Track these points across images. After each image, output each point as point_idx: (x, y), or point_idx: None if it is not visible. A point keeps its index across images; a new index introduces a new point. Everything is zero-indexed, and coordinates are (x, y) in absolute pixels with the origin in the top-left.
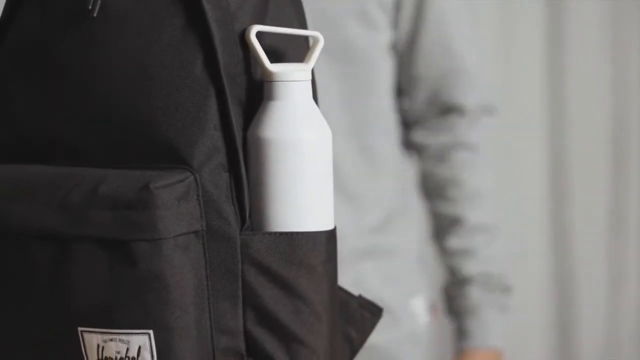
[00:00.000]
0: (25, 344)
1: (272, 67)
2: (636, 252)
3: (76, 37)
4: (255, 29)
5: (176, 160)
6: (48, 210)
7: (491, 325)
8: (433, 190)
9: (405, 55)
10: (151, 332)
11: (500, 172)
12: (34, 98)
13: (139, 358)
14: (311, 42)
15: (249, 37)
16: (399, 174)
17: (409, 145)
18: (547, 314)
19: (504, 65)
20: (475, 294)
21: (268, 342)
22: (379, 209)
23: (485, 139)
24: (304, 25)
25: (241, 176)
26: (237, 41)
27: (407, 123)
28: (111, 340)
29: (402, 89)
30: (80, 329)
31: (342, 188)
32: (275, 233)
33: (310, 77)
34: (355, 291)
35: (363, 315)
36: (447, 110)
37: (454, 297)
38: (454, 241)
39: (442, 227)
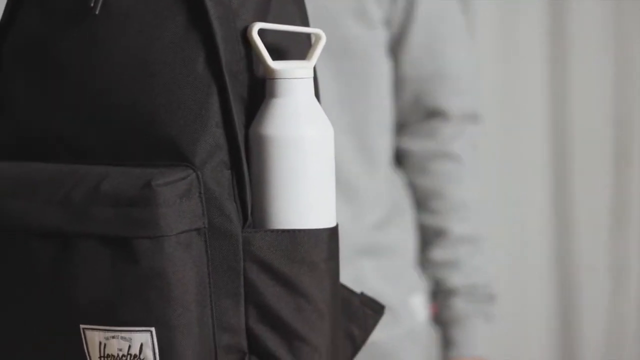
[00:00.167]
0: (27, 342)
1: (274, 65)
2: (638, 251)
3: (78, 35)
4: (258, 26)
5: (178, 158)
6: (50, 208)
7: (477, 334)
8: (416, 201)
9: (396, 54)
10: (153, 329)
11: (502, 172)
12: (36, 96)
13: (141, 355)
14: (313, 39)
15: (251, 35)
16: (395, 173)
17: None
18: (549, 313)
19: (506, 64)
20: (460, 305)
21: (270, 339)
22: (378, 206)
23: (469, 149)
24: (306, 23)
25: (243, 174)
26: (239, 38)
27: (396, 127)
28: (113, 337)
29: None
30: (82, 326)
31: (342, 185)
32: (277, 230)
33: (312, 75)
34: (356, 289)
35: (365, 312)
36: (430, 114)
37: (439, 308)
38: (439, 253)
39: (426, 238)
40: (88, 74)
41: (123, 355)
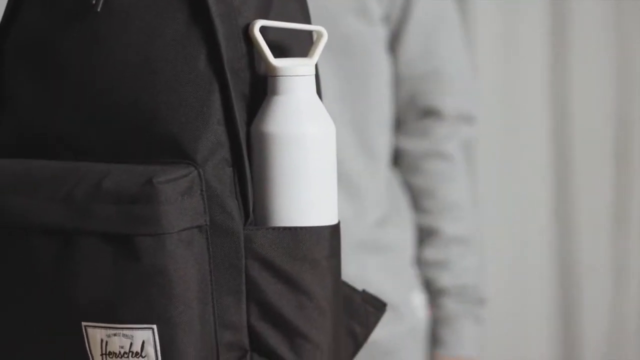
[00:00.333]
0: (29, 340)
1: (276, 62)
2: (639, 251)
3: (79, 32)
4: (259, 23)
5: (180, 155)
6: (52, 205)
7: (465, 335)
8: (411, 201)
9: (393, 53)
10: (155, 327)
11: (502, 172)
12: (38, 94)
13: (143, 353)
14: (315, 37)
15: (252, 32)
16: (393, 173)
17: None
18: (550, 313)
19: (506, 65)
20: (450, 305)
21: (272, 336)
22: (379, 204)
23: (463, 149)
24: (307, 20)
25: (245, 171)
26: (240, 36)
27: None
28: (115, 335)
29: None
30: (84, 323)
31: (343, 182)
32: (279, 228)
33: (314, 72)
34: (359, 285)
35: (367, 309)
36: (425, 114)
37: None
38: (430, 252)
39: (420, 238)
40: (89, 72)
41: (125, 353)
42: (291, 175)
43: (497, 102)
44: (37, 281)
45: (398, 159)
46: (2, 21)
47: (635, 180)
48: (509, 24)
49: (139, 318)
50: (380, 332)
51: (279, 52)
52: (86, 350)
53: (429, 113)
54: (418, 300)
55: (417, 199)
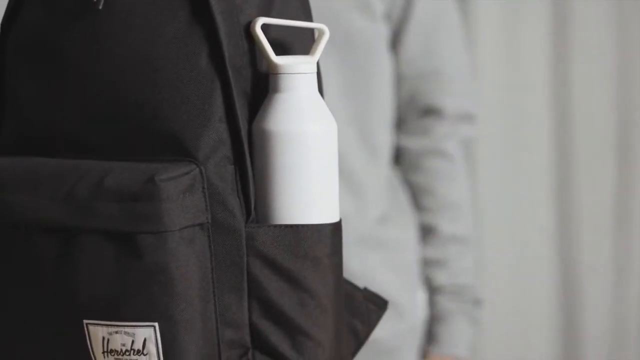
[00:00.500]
0: (30, 337)
1: (278, 60)
2: None
3: (81, 30)
4: (261, 21)
5: (181, 153)
6: (54, 203)
7: (460, 334)
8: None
9: (394, 52)
10: (156, 324)
11: (504, 172)
12: (39, 92)
13: (144, 350)
14: (316, 34)
15: (254, 30)
16: (394, 171)
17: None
18: (551, 312)
19: (508, 65)
20: (446, 304)
21: (273, 334)
22: (380, 200)
23: (462, 149)
24: (309, 18)
25: (246, 169)
26: (242, 34)
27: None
28: (116, 332)
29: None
30: (85, 321)
31: (345, 177)
32: (281, 225)
33: (315, 70)
34: (360, 281)
35: (368, 307)
36: (425, 112)
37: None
38: (428, 251)
39: (420, 236)
40: (91, 70)
41: (126, 350)
42: (293, 172)
43: (499, 102)
44: (39, 279)
45: (399, 157)
46: (3, 20)
47: (636, 180)
48: (510, 24)
49: (141, 316)
50: (382, 330)
51: (280, 49)
52: (88, 348)
53: (429, 112)
54: (419, 299)
55: (416, 196)
